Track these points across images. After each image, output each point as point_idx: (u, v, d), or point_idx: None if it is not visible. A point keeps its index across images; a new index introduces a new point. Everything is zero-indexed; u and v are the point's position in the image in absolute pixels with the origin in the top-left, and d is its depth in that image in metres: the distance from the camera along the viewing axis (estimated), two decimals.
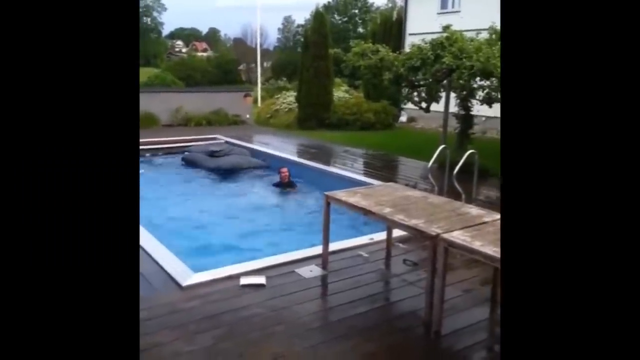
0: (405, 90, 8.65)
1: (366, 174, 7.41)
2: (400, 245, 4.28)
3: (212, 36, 62.20)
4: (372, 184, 5.02)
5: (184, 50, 54.72)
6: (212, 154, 8.39)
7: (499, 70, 6.30)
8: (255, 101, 16.55)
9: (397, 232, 4.21)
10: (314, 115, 12.72)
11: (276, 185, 7.16)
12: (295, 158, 8.81)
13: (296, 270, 3.69)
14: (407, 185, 5.72)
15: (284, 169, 7.10)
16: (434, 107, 8.45)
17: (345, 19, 26.71)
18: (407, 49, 9.44)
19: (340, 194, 3.91)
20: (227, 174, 8.00)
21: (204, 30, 63.62)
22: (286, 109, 14.34)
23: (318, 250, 3.91)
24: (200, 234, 5.30)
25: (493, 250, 2.66)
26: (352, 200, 3.66)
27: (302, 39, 14.91)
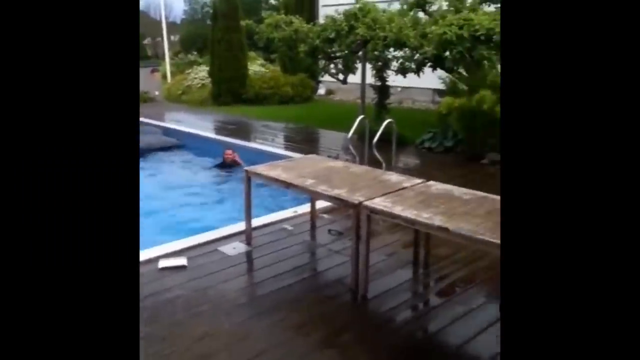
0: (321, 63, 8.63)
1: (287, 148, 7.35)
2: (325, 215, 4.30)
3: None
4: (293, 157, 4.97)
5: None
6: None
7: (411, 40, 6.46)
8: (165, 77, 15.71)
9: (321, 204, 4.22)
10: (229, 90, 12.33)
11: (219, 166, 6.89)
12: (212, 135, 8.52)
13: (219, 248, 3.57)
14: (328, 156, 5.74)
15: (229, 151, 6.84)
16: (351, 78, 8.52)
17: None
18: (321, 21, 9.39)
19: (261, 168, 3.83)
20: None
21: None
22: (199, 85, 13.75)
23: (241, 226, 3.81)
24: None
25: (413, 213, 2.73)
26: (273, 173, 3.59)
27: (210, 11, 14.24)
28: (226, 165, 6.84)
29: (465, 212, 2.75)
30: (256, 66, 14.10)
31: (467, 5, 7.03)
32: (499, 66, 6.06)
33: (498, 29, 5.60)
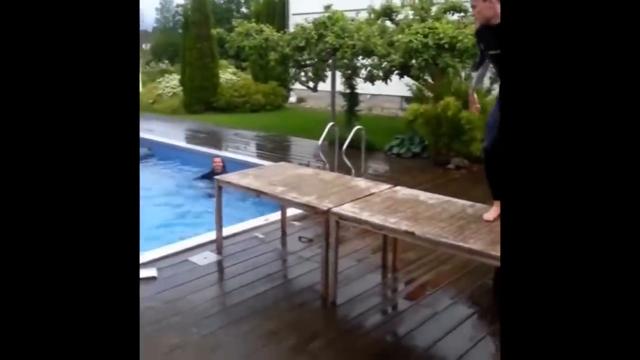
0: (292, 71, 8.68)
1: (259, 156, 7.36)
2: (296, 223, 4.33)
3: None
4: (264, 165, 5.00)
5: None
6: None
7: (378, 48, 6.58)
8: None
9: (292, 211, 4.26)
10: (200, 98, 12.26)
11: (205, 176, 6.51)
12: (183, 144, 8.45)
13: (189, 258, 3.56)
14: (299, 164, 5.78)
15: (218, 159, 6.49)
16: (321, 86, 8.60)
17: None
18: (291, 29, 9.46)
19: (232, 177, 3.84)
20: None
21: None
22: (170, 93, 13.62)
23: (212, 236, 3.81)
24: None
25: (380, 219, 2.80)
26: (244, 182, 3.61)
27: (182, 19, 14.12)
28: (216, 174, 6.63)
29: (431, 216, 2.83)
30: (228, 74, 14.07)
31: (432, 14, 7.21)
32: (462, 73, 6.23)
33: (461, 37, 5.77)
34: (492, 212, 2.75)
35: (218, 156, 6.75)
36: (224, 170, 6.27)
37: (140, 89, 15.24)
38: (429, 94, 6.58)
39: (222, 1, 25.85)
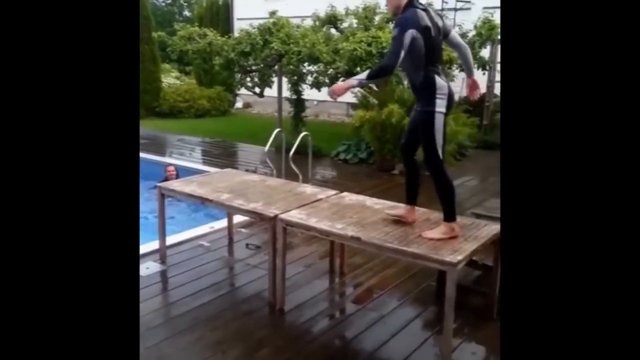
0: (238, 76, 8.60)
1: (205, 163, 7.21)
2: (243, 230, 4.28)
3: None
4: (209, 172, 4.90)
5: None
6: None
7: (324, 55, 6.65)
8: None
9: (239, 218, 4.20)
10: (142, 103, 11.86)
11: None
12: None
13: None
14: (247, 170, 5.72)
15: (171, 168, 6.22)
16: (268, 92, 8.56)
17: (169, 1, 25.29)
18: (236, 34, 9.37)
19: (175, 184, 3.74)
20: None
21: None
22: None
23: (155, 245, 3.69)
24: None
25: (327, 225, 2.82)
26: (188, 189, 3.53)
27: None
28: None
29: (376, 221, 2.89)
30: (171, 78, 13.72)
31: (375, 23, 7.38)
32: (405, 82, 6.42)
33: None
34: (407, 213, 2.83)
35: (170, 164, 6.55)
36: (177, 178, 6.07)
37: None
38: (374, 101, 6.72)
39: (163, 3, 25.18)
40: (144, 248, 3.74)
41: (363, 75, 2.57)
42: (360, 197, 3.39)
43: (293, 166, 5.22)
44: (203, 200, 3.37)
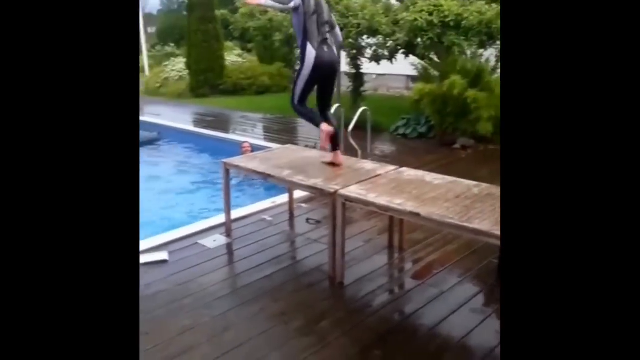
0: (297, 52, 8.62)
1: (266, 139, 7.38)
2: (303, 205, 4.37)
3: None
4: (271, 148, 5.02)
5: None
6: None
7: (383, 27, 6.51)
8: (142, 70, 15.49)
9: (299, 193, 4.29)
10: (206, 81, 12.23)
11: None
12: (190, 128, 8.49)
13: (199, 241, 3.62)
14: (306, 146, 5.80)
15: (246, 144, 6.40)
16: None
17: None
18: None
19: (239, 160, 3.87)
20: None
21: None
22: (177, 77, 13.60)
23: (221, 219, 3.87)
24: None
25: (386, 200, 2.82)
26: (251, 165, 3.64)
27: (186, 1, 14.05)
28: None
29: (436, 197, 2.85)
30: (233, 56, 13.99)
31: None
32: (468, 52, 6.16)
33: (466, 15, 5.69)
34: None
35: (246, 141, 6.77)
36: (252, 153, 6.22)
37: (147, 73, 15.26)
38: (435, 73, 6.51)
39: None
40: (211, 222, 3.94)
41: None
42: (420, 173, 3.35)
43: (352, 141, 5.23)
44: (265, 176, 3.48)
